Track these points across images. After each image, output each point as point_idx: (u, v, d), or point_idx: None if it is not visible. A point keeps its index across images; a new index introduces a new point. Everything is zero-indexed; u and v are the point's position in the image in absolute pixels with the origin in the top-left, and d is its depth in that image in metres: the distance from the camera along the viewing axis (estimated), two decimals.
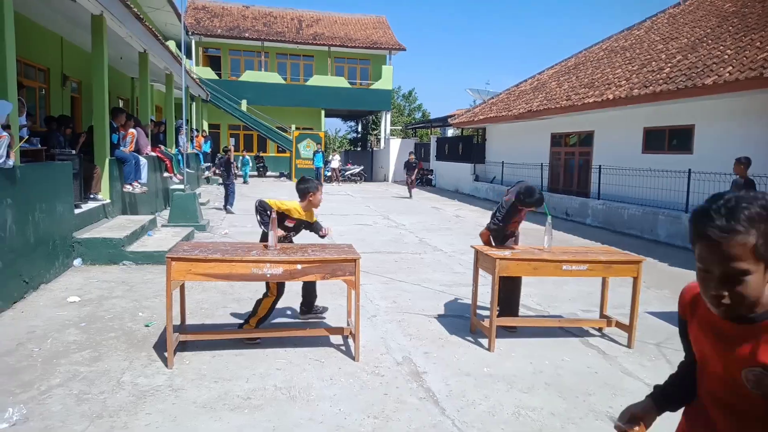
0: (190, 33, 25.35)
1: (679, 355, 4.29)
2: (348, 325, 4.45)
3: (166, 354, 3.92)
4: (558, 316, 5.33)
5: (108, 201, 8.23)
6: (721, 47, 9.73)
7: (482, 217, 13.30)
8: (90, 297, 5.53)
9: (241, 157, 22.44)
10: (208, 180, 20.39)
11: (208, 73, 26.04)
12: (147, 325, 4.74)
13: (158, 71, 13.26)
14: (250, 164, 23.35)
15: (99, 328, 4.62)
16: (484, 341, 4.58)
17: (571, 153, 14.70)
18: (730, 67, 8.46)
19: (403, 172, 19.42)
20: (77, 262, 6.73)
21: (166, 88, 14.67)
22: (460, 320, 5.19)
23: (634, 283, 4.57)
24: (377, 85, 28.31)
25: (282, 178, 25.50)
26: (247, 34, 26.91)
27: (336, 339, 4.50)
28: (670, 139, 11.04)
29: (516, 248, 4.73)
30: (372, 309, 5.44)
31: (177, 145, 15.26)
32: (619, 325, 4.78)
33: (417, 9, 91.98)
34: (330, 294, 5.76)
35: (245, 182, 21.48)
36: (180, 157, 13.93)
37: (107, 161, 8.29)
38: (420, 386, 3.72)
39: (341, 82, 28.09)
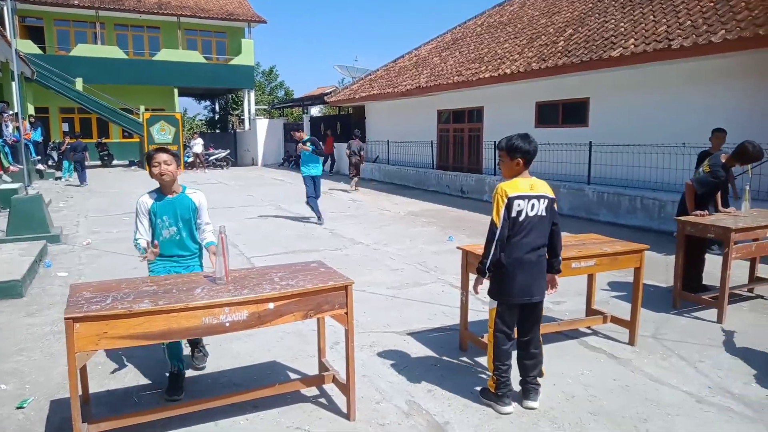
0: None
1: (684, 347, 3.89)
2: (327, 369, 3.36)
3: None
4: (550, 319, 4.71)
5: None
6: (612, 20, 9.93)
7: (378, 200, 12.60)
8: None
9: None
10: (41, 174, 17.02)
11: (29, 47, 21.72)
12: (20, 407, 3.20)
13: None
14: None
15: None
16: (484, 360, 3.80)
17: (460, 129, 14.52)
18: (633, 39, 8.57)
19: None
20: None
21: None
22: (439, 335, 4.35)
23: (636, 273, 4.09)
24: (237, 61, 25.99)
25: (133, 167, 22.36)
26: (76, 1, 22.88)
27: (308, 389, 3.39)
28: (565, 113, 11.19)
29: None
30: (330, 332, 4.35)
31: (1, 134, 12.28)
32: (615, 320, 4.31)
33: None
34: None
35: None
36: (7, 149, 11.17)
37: None
38: None
39: (195, 56, 25.29)
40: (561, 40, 10.67)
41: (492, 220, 3.01)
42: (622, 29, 9.24)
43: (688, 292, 5.00)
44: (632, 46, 8.37)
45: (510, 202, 2.96)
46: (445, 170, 14.41)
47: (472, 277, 3.96)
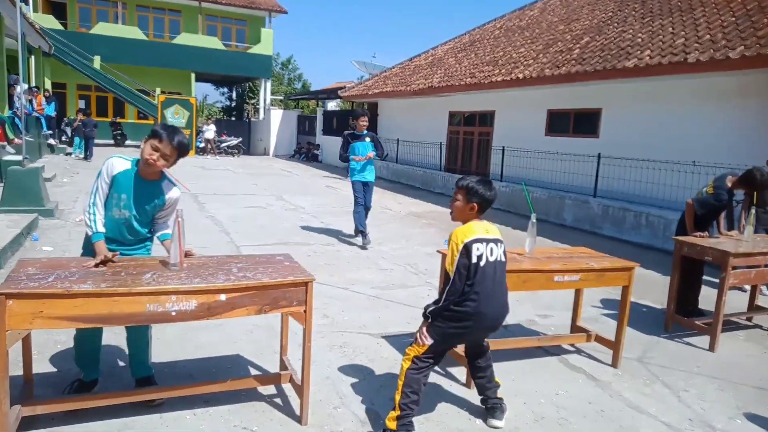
0: None
1: (670, 374, 3.69)
2: (286, 368, 3.21)
3: None
4: (534, 332, 4.53)
5: None
6: (630, 30, 9.67)
7: (383, 199, 12.43)
8: None
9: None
10: (52, 149, 17.11)
11: (51, 22, 21.87)
12: None
13: None
14: None
15: None
16: (455, 371, 3.65)
17: (470, 133, 14.31)
18: (648, 51, 8.31)
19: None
20: None
21: None
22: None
23: (624, 292, 3.90)
24: (256, 50, 25.95)
25: None
26: None
27: (266, 387, 3.25)
28: (576, 122, 10.94)
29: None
30: (302, 329, 4.20)
31: (11, 105, 12.32)
32: (600, 339, 4.11)
33: None
34: None
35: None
36: (17, 120, 11.20)
37: None
38: None
39: (214, 42, 25.29)
40: (577, 47, 10.43)
41: (446, 269, 2.75)
42: (639, 40, 8.98)
43: (682, 316, 4.78)
44: (647, 58, 8.11)
45: (468, 247, 2.67)
46: (453, 173, 14.21)
47: None
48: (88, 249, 2.86)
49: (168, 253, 2.78)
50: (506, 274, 3.38)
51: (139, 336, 3.00)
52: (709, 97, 8.39)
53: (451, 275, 2.66)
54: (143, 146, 2.83)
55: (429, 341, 2.72)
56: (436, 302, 2.74)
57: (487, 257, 2.69)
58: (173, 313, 2.54)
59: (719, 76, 7.86)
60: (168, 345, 3.72)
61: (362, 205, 7.18)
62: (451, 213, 2.90)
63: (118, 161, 2.87)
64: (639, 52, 8.52)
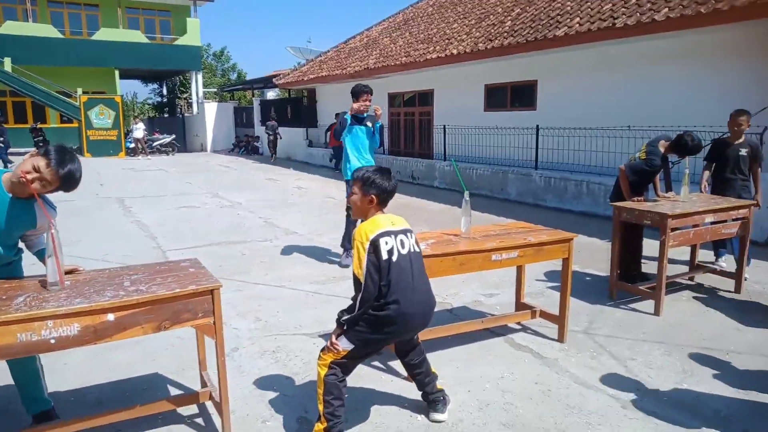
0: None
1: (616, 343, 3.59)
2: (205, 385, 2.88)
3: None
4: (479, 314, 4.33)
5: None
6: None
7: (326, 187, 12.08)
8: None
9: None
10: None
11: None
12: None
13: None
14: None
15: None
16: (396, 364, 3.41)
17: (411, 113, 14.08)
18: (578, 18, 8.26)
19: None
20: None
21: None
22: None
23: (564, 264, 3.76)
24: (183, 41, 24.75)
25: None
26: None
27: (186, 407, 2.91)
28: (513, 96, 10.87)
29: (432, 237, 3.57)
30: (230, 336, 3.86)
31: None
32: (545, 315, 3.97)
33: None
34: None
35: None
36: None
37: None
38: None
39: (137, 36, 23.93)
40: (508, 19, 10.32)
41: (354, 274, 2.43)
42: (569, 8, 8.93)
43: (627, 281, 4.73)
44: (577, 25, 8.07)
45: (375, 243, 2.39)
46: (397, 155, 13.98)
47: None
48: None
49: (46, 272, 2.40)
50: (441, 258, 3.20)
51: (23, 369, 2.59)
52: (641, 61, 8.43)
53: (362, 279, 2.37)
54: (25, 159, 2.37)
55: (343, 348, 2.44)
56: (350, 309, 2.45)
57: (398, 250, 2.43)
58: (52, 341, 2.16)
59: (649, 40, 7.87)
60: (75, 369, 3.32)
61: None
62: (349, 209, 2.64)
63: None
64: (569, 20, 8.47)
